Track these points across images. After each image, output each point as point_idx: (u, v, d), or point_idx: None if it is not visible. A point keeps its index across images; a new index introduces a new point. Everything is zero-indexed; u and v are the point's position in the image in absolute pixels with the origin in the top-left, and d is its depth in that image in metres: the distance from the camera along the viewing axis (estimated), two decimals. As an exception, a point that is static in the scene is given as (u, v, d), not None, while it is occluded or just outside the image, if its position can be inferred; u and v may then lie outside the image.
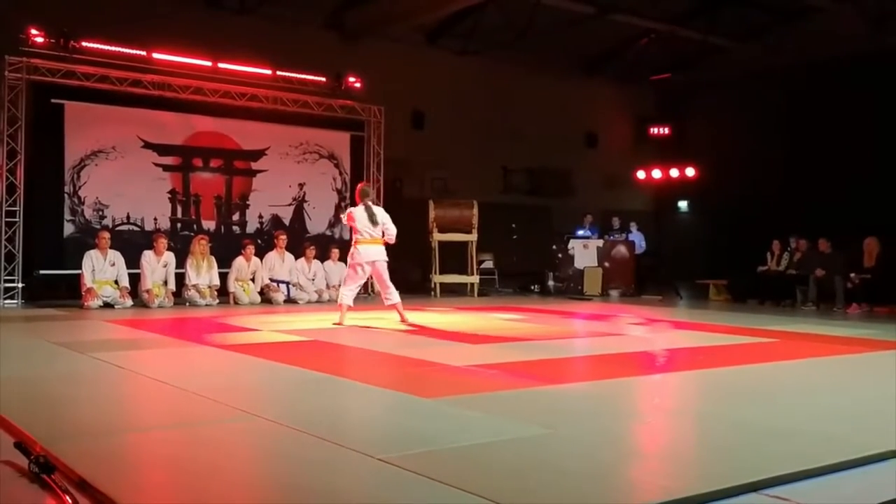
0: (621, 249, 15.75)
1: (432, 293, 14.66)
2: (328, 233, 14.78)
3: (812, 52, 15.39)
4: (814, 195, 15.16)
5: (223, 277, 12.39)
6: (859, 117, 14.91)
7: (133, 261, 11.63)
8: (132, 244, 12.32)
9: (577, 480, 3.16)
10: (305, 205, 14.62)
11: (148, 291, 11.51)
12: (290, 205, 14.48)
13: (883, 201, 13.95)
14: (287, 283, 12.86)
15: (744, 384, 5.59)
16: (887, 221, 13.20)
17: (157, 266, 11.71)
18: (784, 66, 16.15)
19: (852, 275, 12.55)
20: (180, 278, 11.98)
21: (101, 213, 12.66)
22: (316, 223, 14.71)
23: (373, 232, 9.37)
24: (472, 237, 14.79)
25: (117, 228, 12.63)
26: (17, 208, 11.81)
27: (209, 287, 12.12)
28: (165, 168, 13.29)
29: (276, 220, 14.24)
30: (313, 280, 13.17)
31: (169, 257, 11.82)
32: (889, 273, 12.32)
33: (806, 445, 3.69)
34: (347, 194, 15.01)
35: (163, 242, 11.82)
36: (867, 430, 4.06)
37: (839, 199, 14.64)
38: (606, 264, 15.45)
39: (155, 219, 13.15)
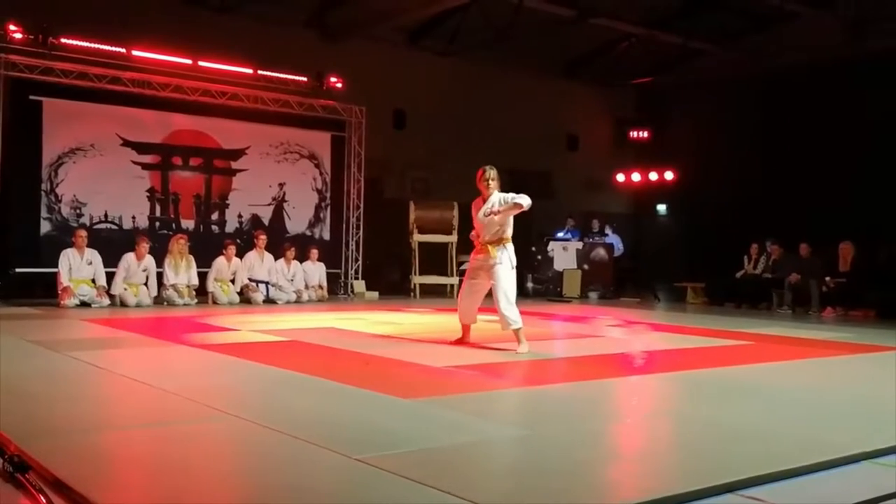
0: (600, 252, 15.83)
1: (412, 294, 14.66)
2: (308, 233, 14.73)
3: (791, 57, 15.51)
4: (791, 199, 15.27)
5: (202, 277, 12.32)
6: (837, 122, 15.04)
7: (110, 260, 11.54)
8: (110, 243, 12.23)
9: (557, 481, 3.18)
10: (285, 205, 14.56)
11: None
12: (269, 204, 14.42)
13: (858, 206, 14.08)
14: (266, 284, 12.81)
15: (719, 386, 5.63)
16: (862, 226, 13.35)
17: (137, 271, 11.63)
18: (763, 70, 16.27)
19: (827, 279, 12.68)
20: (158, 277, 11.90)
21: (78, 211, 12.55)
22: (296, 223, 14.66)
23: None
24: (453, 238, 14.81)
25: (95, 227, 12.52)
26: (-6, 205, 11.70)
27: (187, 286, 12.05)
28: (144, 166, 13.19)
29: (255, 220, 14.18)
30: (292, 280, 13.13)
31: (149, 262, 11.72)
32: (864, 277, 12.46)
33: (781, 447, 3.73)
34: (328, 194, 14.99)
35: (145, 247, 11.69)
36: (841, 432, 4.10)
37: (816, 204, 14.76)
38: (585, 266, 15.53)
39: (133, 217, 13.06)
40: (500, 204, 7.04)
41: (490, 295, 7.21)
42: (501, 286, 7.02)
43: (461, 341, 7.44)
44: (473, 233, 7.32)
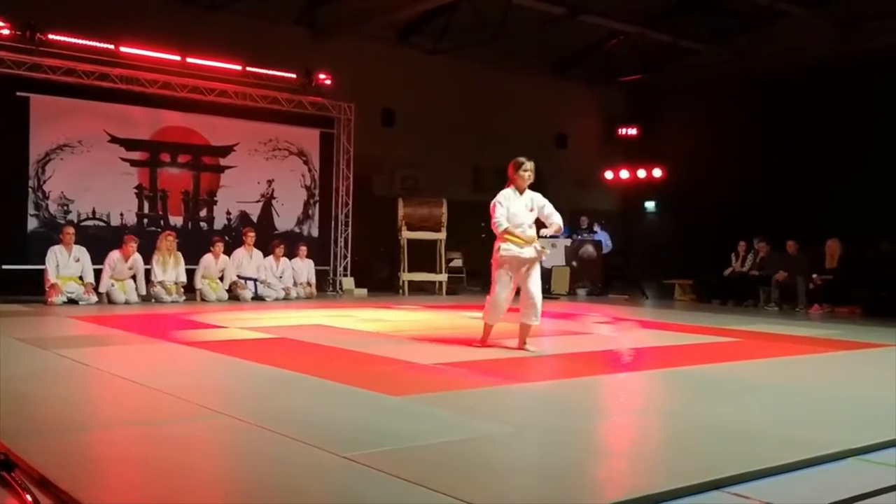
0: (589, 249, 15.86)
1: (400, 291, 14.65)
2: (296, 230, 14.71)
3: (781, 56, 15.58)
4: (778, 197, 15.36)
5: (190, 274, 12.28)
6: (825, 121, 15.12)
7: (98, 257, 11.49)
8: (97, 240, 12.19)
9: (544, 478, 3.19)
10: (274, 201, 14.53)
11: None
12: (258, 201, 14.39)
13: (845, 204, 14.18)
14: (255, 281, 12.78)
15: (706, 383, 5.65)
16: (849, 223, 13.42)
17: (124, 268, 11.58)
18: (753, 70, 16.33)
19: (814, 276, 12.75)
20: (146, 275, 11.85)
21: (65, 207, 12.49)
22: (284, 220, 14.63)
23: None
24: (442, 235, 14.81)
25: (82, 224, 12.48)
26: (-20, 202, 11.64)
27: (175, 284, 12.01)
28: (132, 163, 13.13)
29: (244, 217, 14.14)
30: (281, 277, 13.11)
31: (136, 260, 11.66)
32: (850, 274, 12.53)
33: (767, 444, 3.74)
34: (317, 191, 14.96)
35: (132, 246, 11.62)
36: (827, 429, 4.13)
37: (803, 201, 14.85)
38: (574, 263, 15.55)
39: (121, 214, 13.00)
40: (536, 203, 6.95)
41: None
42: (539, 279, 6.91)
43: (484, 342, 7.07)
44: (505, 223, 6.88)
